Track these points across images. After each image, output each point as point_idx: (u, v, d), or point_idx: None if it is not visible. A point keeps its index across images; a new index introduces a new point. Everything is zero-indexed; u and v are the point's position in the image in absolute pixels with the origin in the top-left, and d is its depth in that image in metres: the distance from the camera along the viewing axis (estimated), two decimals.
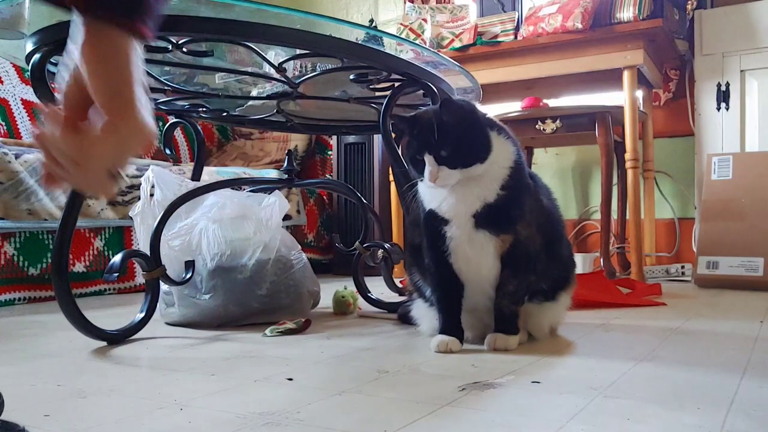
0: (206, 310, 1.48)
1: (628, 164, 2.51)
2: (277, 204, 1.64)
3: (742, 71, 2.51)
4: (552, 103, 2.96)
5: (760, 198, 2.28)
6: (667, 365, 1.04)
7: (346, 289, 1.72)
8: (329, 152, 3.44)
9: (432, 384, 0.92)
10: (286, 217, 3.03)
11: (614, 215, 3.01)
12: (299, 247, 1.66)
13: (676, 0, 2.63)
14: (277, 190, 1.72)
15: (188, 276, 1.45)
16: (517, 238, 1.17)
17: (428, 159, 1.14)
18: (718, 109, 2.54)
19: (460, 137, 1.14)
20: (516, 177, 1.17)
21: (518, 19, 2.79)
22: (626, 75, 2.47)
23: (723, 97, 2.53)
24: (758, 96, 2.48)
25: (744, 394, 0.85)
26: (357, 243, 1.71)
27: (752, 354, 1.13)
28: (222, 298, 1.48)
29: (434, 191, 1.18)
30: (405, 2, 3.44)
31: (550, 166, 3.36)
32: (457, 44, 2.81)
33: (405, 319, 1.53)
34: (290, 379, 0.95)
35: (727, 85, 2.52)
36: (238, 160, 3.41)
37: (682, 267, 2.79)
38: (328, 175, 3.43)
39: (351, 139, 3.23)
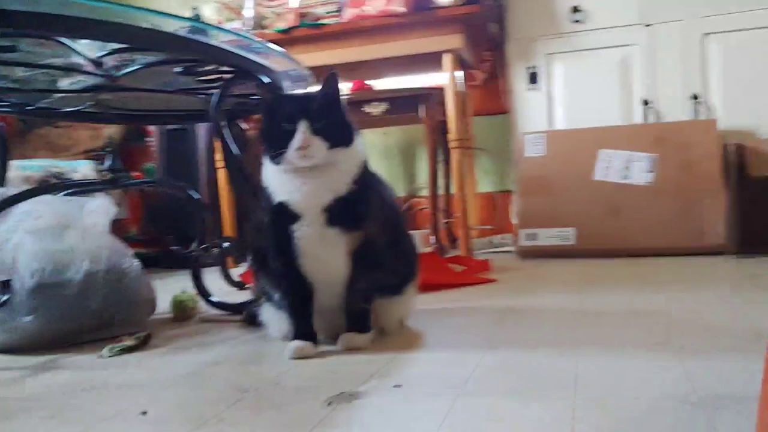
0: (29, 333, 1.33)
1: (452, 144, 2.61)
2: (102, 208, 1.51)
3: (548, 54, 2.70)
4: (378, 84, 3.01)
5: (570, 172, 2.49)
6: (510, 351, 1.11)
7: (184, 292, 1.64)
8: (149, 139, 3.24)
9: (297, 401, 0.90)
10: None
11: (440, 191, 3.15)
12: (131, 252, 1.55)
13: None
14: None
15: (5, 299, 1.29)
16: (367, 235, 1.17)
17: (303, 125, 1.10)
18: (529, 90, 2.73)
19: (336, 114, 1.15)
20: (366, 172, 1.18)
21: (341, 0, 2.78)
22: (446, 59, 2.56)
23: (533, 78, 2.72)
24: (564, 78, 2.69)
25: (584, 378, 0.92)
26: (194, 245, 1.63)
27: (579, 330, 1.24)
28: (47, 318, 1.34)
29: (284, 180, 1.14)
30: None
31: (376, 145, 3.42)
32: (280, 25, 2.75)
33: (252, 321, 1.49)
34: (144, 413, 0.89)
35: (536, 67, 2.71)
36: (43, 150, 3.10)
37: (503, 238, 2.99)
38: (148, 165, 3.23)
39: (172, 125, 3.07)
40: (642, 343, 1.11)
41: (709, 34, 2.52)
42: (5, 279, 1.32)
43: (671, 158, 2.39)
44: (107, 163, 1.63)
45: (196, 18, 2.87)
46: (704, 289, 1.62)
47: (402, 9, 2.55)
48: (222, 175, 2.95)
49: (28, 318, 1.33)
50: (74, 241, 1.42)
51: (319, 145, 1.11)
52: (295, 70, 1.65)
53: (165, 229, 3.06)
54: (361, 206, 1.16)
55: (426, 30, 2.58)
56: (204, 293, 1.63)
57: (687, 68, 2.54)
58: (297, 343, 1.16)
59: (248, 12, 2.82)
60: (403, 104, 2.74)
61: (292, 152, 1.11)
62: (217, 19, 3.02)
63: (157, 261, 3.10)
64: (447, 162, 3.10)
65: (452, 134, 2.62)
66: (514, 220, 3.05)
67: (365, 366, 1.06)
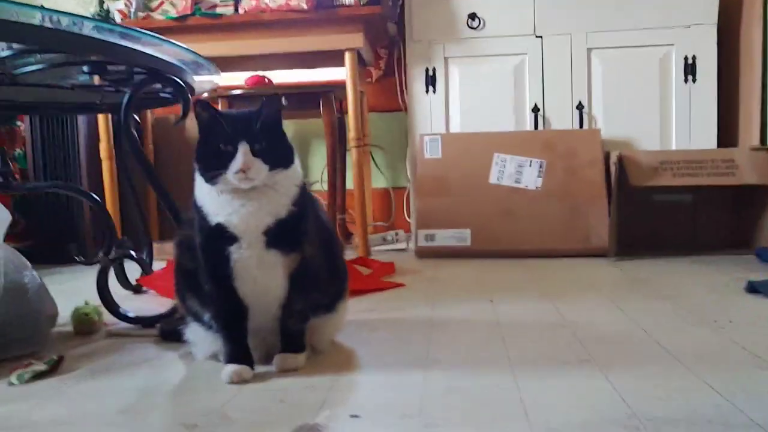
0: None
1: (352, 143, 2.63)
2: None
3: (446, 58, 2.76)
4: (276, 76, 2.95)
5: (466, 175, 2.58)
6: (450, 372, 1.14)
7: (87, 304, 1.54)
8: (18, 123, 2.97)
9: None
10: None
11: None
12: (29, 264, 1.43)
13: None
14: None
15: None
16: (304, 256, 1.16)
17: (243, 148, 1.07)
18: (427, 92, 2.78)
19: (276, 136, 1.13)
20: (303, 193, 1.16)
21: None
22: (347, 57, 2.56)
23: (431, 81, 2.77)
24: (460, 81, 2.77)
25: (530, 402, 0.97)
26: (101, 255, 1.53)
27: (506, 345, 1.29)
28: None
29: (221, 201, 1.11)
30: None
31: None
32: (172, 11, 2.61)
33: (167, 336, 1.44)
34: None
35: (434, 70, 2.76)
36: None
37: (396, 234, 3.05)
38: (17, 150, 2.96)
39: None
40: (568, 360, 1.18)
41: (592, 49, 2.69)
42: None
43: (559, 164, 2.54)
44: None
45: (106, 11, 2.70)
46: (599, 296, 1.75)
47: (304, 5, 2.51)
48: (107, 168, 2.79)
49: None
50: None
51: (259, 168, 1.08)
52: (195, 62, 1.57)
53: (37, 221, 2.85)
54: (299, 228, 1.15)
55: (328, 27, 2.56)
56: (111, 305, 1.54)
57: (573, 79, 2.70)
58: (233, 366, 1.13)
59: None
60: (303, 100, 2.71)
61: (231, 174, 1.07)
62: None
63: (33, 256, 2.87)
64: (343, 158, 3.10)
65: (352, 132, 2.63)
66: (410, 218, 3.13)
67: (310, 392, 1.05)
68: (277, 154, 1.11)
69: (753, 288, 1.72)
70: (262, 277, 1.14)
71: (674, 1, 2.65)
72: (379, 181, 3.28)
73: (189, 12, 2.59)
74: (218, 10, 2.60)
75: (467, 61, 2.76)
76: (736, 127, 2.72)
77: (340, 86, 2.69)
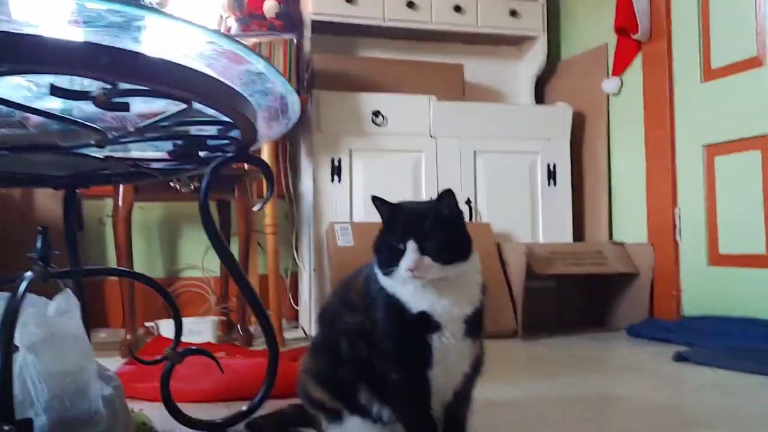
0: None
1: (268, 229, 2.58)
2: (73, 306, 1.15)
3: (350, 150, 2.88)
4: None
5: None
6: None
7: (141, 411, 1.31)
8: None
9: None
10: None
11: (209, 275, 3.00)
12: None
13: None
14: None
15: None
16: (482, 344, 1.19)
17: (411, 246, 1.07)
18: (332, 180, 2.85)
19: (450, 231, 1.11)
20: (484, 284, 1.19)
21: None
22: (266, 147, 2.57)
23: (336, 171, 2.86)
24: (363, 172, 2.89)
25: None
26: (169, 351, 1.32)
27: None
28: None
29: (419, 291, 1.10)
30: None
31: (135, 221, 3.07)
32: None
33: None
34: None
35: (340, 160, 2.86)
36: None
37: (290, 323, 2.97)
38: None
39: None
40: None
41: (477, 151, 3.03)
42: (24, 418, 0.92)
43: None
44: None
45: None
46: (531, 380, 1.94)
47: None
48: None
49: None
50: (75, 358, 1.06)
51: (428, 265, 1.08)
52: None
53: None
54: (483, 316, 1.18)
55: None
56: (174, 408, 1.33)
57: (462, 177, 3.00)
58: None
59: None
60: (219, 185, 2.58)
61: (402, 271, 1.08)
62: None
63: None
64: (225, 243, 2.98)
65: (269, 217, 2.59)
66: (297, 305, 3.08)
67: None
68: (451, 249, 1.10)
69: (681, 357, 2.10)
70: (455, 365, 1.14)
71: (539, 118, 3.14)
72: (261, 267, 3.19)
73: None
74: None
75: (371, 154, 2.90)
76: (584, 224, 3.25)
77: (249, 172, 2.63)
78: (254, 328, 2.70)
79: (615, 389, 1.81)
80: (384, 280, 1.12)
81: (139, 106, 1.10)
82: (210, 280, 3.08)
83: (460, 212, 1.14)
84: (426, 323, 1.10)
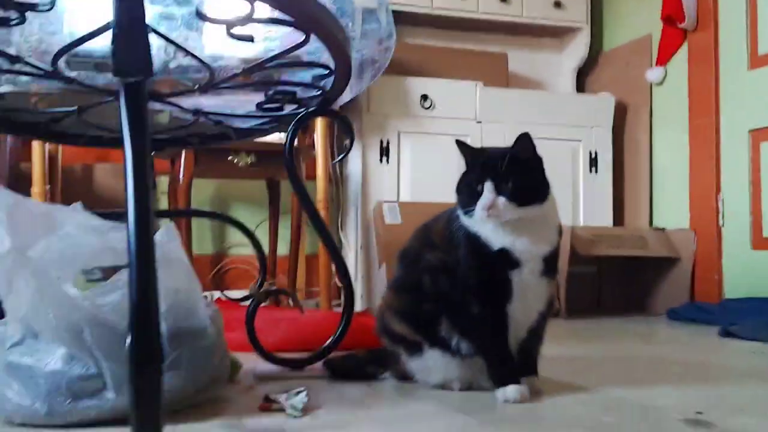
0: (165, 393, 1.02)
1: (320, 205, 2.66)
2: (175, 236, 1.23)
3: (399, 132, 2.96)
4: None
5: None
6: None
7: None
8: None
9: None
10: None
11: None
12: None
13: None
14: None
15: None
16: (555, 284, 1.26)
17: (488, 186, 1.14)
18: (381, 161, 2.93)
19: (526, 173, 1.17)
20: (560, 227, 1.26)
21: None
22: (320, 124, 2.65)
23: (384, 152, 2.94)
24: (410, 154, 2.97)
25: None
26: (253, 287, 1.41)
27: None
28: (188, 374, 1.05)
29: (500, 230, 1.16)
30: None
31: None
32: None
33: (335, 372, 1.39)
34: None
35: (388, 142, 2.94)
36: None
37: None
38: None
39: None
40: None
41: None
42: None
43: None
44: None
45: None
46: (579, 345, 2.03)
47: None
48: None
49: (168, 374, 1.02)
50: (183, 278, 1.14)
51: (504, 205, 1.14)
52: None
53: None
54: (557, 258, 1.24)
55: None
56: (258, 344, 1.41)
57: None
58: (515, 387, 1.16)
59: None
60: (272, 158, 2.67)
61: (479, 210, 1.15)
62: None
63: None
64: (275, 220, 3.08)
65: (320, 194, 2.68)
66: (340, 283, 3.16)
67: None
68: (527, 191, 1.16)
69: (728, 333, 2.14)
70: (531, 301, 1.21)
71: (582, 107, 3.20)
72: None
73: None
74: None
75: (418, 136, 2.98)
76: (624, 211, 3.30)
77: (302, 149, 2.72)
78: (302, 301, 2.79)
79: (658, 351, 1.87)
80: (465, 220, 1.19)
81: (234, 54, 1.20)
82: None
83: (537, 156, 1.21)
84: (506, 260, 1.17)
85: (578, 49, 3.50)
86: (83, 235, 1.09)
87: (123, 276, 1.02)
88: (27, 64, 1.04)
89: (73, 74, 1.16)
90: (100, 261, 1.08)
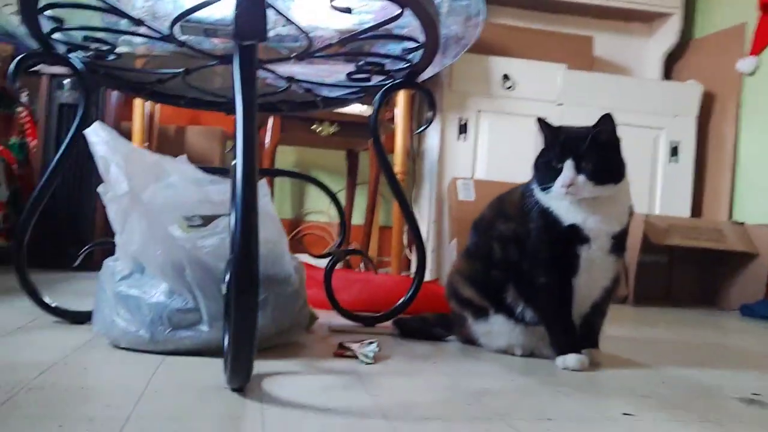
0: None
1: (400, 177, 2.74)
2: (266, 191, 1.33)
3: (478, 110, 3.00)
4: None
5: None
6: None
7: None
8: (18, 109, 2.68)
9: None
10: None
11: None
12: None
13: None
14: None
15: None
16: (622, 263, 1.30)
17: (568, 165, 1.19)
18: (458, 139, 2.98)
19: (605, 153, 1.22)
20: (632, 208, 1.29)
21: None
22: (402, 95, 2.71)
23: (463, 129, 2.98)
24: (488, 133, 3.01)
25: None
26: (332, 247, 1.51)
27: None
28: (273, 315, 1.16)
29: (573, 207, 1.21)
30: None
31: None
32: None
33: (405, 331, 1.47)
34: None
35: (467, 120, 2.98)
36: None
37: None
38: (14, 139, 2.66)
39: (66, 98, 2.61)
40: None
41: None
42: None
43: None
44: None
45: None
46: (642, 328, 2.03)
47: None
48: None
49: None
50: (273, 229, 1.24)
51: (583, 184, 1.19)
52: None
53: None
54: (626, 238, 1.28)
55: None
56: (335, 300, 1.51)
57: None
58: (575, 356, 1.22)
59: None
60: (354, 129, 2.76)
61: (558, 188, 1.19)
62: None
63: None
64: (352, 190, 3.18)
65: (399, 167, 2.75)
66: (411, 255, 3.25)
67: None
68: (605, 170, 1.21)
69: (749, 311, 2.11)
70: (598, 276, 1.25)
71: (667, 95, 3.15)
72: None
73: None
74: None
75: (497, 116, 3.01)
76: (702, 202, 3.24)
77: (381, 123, 2.79)
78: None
79: (724, 340, 1.87)
80: (540, 195, 1.25)
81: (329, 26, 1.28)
82: (333, 225, 3.29)
83: (617, 138, 1.24)
84: (576, 235, 1.22)
85: (668, 35, 3.43)
86: (186, 185, 1.21)
87: (220, 224, 1.13)
88: (147, 27, 1.15)
89: (183, 38, 1.27)
90: (199, 209, 1.20)
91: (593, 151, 1.20)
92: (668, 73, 3.52)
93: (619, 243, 1.25)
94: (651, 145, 3.13)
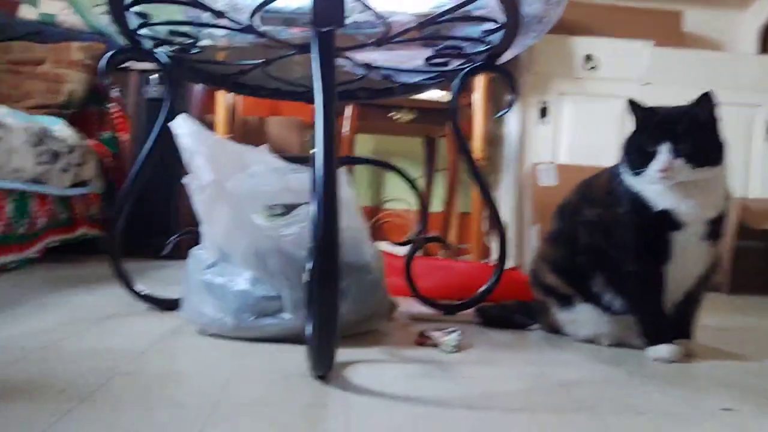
0: None
1: (480, 162, 2.70)
2: (347, 180, 1.34)
3: (560, 93, 2.91)
4: None
5: None
6: None
7: None
8: (109, 105, 2.79)
9: None
10: (83, 183, 2.42)
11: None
12: None
13: None
14: None
15: None
16: (719, 251, 1.23)
17: (665, 148, 1.12)
18: (539, 122, 2.91)
19: (705, 134, 1.15)
20: (729, 192, 1.22)
21: None
22: (480, 81, 2.66)
23: (543, 113, 2.91)
24: (570, 116, 2.92)
25: None
26: (412, 234, 1.51)
27: None
28: (354, 303, 1.16)
29: (665, 191, 1.15)
30: None
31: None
32: None
33: (488, 321, 1.44)
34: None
35: (548, 103, 2.90)
36: None
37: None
38: (106, 134, 2.78)
39: (154, 93, 2.70)
40: None
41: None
42: None
43: None
44: None
45: None
46: (738, 317, 1.91)
47: None
48: None
49: None
50: (353, 218, 1.24)
51: (680, 168, 1.12)
52: None
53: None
54: (724, 224, 1.21)
55: None
56: (414, 287, 1.51)
57: None
58: (668, 346, 1.16)
59: None
60: (431, 116, 2.74)
61: (653, 172, 1.13)
62: None
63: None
64: (430, 177, 3.16)
65: (477, 153, 2.71)
66: (490, 244, 3.20)
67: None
68: (704, 153, 1.13)
69: None
70: (691, 264, 1.19)
71: (764, 69, 2.96)
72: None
73: None
74: None
75: (580, 98, 2.92)
76: None
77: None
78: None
79: None
80: (630, 179, 1.19)
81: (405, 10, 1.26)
82: (412, 213, 3.28)
83: (717, 117, 1.17)
84: (668, 221, 1.16)
85: (765, 6, 3.22)
86: (268, 175, 1.23)
87: (301, 212, 1.14)
88: (228, 19, 1.17)
89: (263, 29, 1.28)
90: (280, 198, 1.21)
91: (692, 132, 1.13)
92: (765, 47, 3.31)
93: (715, 229, 1.18)
94: (746, 124, 2.96)
